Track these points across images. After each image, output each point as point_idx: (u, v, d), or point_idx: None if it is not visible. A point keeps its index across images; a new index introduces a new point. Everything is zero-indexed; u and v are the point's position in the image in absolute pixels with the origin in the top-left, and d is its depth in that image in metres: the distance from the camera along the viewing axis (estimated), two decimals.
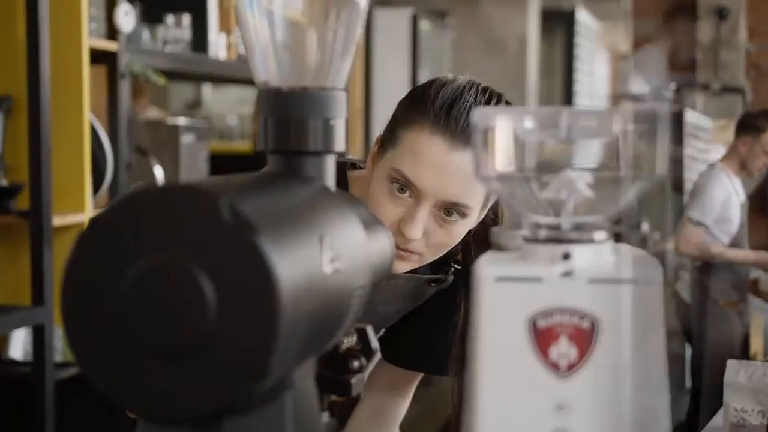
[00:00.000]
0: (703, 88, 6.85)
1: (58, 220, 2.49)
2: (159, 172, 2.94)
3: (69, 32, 2.54)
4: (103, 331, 0.63)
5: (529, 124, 0.70)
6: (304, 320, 0.65)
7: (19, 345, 2.62)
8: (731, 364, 1.98)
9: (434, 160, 1.22)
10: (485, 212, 1.32)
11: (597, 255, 0.69)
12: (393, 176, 1.24)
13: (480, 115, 0.71)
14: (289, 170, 0.80)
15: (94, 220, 0.63)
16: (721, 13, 9.67)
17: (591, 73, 8.84)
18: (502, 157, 0.71)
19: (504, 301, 0.68)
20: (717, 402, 1.97)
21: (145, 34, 3.02)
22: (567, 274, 0.68)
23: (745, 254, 4.41)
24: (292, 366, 0.68)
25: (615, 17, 9.63)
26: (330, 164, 0.82)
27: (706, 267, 4.38)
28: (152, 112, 4.03)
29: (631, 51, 9.93)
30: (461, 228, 1.27)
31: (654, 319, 0.68)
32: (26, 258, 2.44)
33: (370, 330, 0.86)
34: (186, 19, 3.08)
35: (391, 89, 5.13)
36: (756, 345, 4.70)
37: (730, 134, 9.06)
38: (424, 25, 5.33)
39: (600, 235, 0.70)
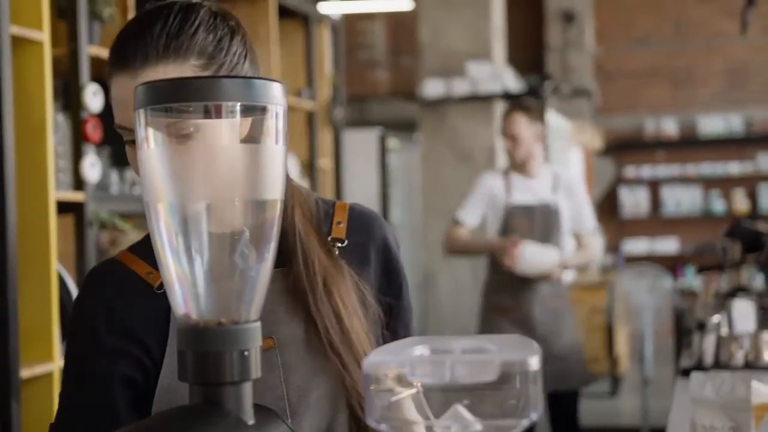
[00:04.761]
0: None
1: (26, 372, 2.53)
2: None
3: (36, 186, 2.62)
4: None
5: (416, 370, 0.77)
6: None
7: None
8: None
9: (121, 95, 1.19)
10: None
11: None
12: (119, 133, 1.22)
13: (370, 364, 0.77)
14: (208, 402, 0.86)
15: None
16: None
17: (565, 170, 8.98)
18: (390, 399, 0.78)
19: None
20: None
21: (114, 177, 3.11)
22: None
23: (484, 241, 4.22)
24: None
25: (585, 114, 9.87)
26: (247, 390, 0.88)
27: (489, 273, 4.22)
28: (133, 238, 4.07)
29: (603, 145, 10.18)
30: (215, 140, 1.18)
31: None
32: None
33: None
34: None
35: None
36: None
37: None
38: (393, 142, 5.46)
39: None
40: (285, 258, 1.28)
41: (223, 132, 0.91)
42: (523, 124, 4.07)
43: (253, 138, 0.89)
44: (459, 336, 0.85)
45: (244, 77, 0.89)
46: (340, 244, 1.32)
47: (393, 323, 1.35)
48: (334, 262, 1.30)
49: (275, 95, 0.88)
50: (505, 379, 0.76)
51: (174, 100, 0.87)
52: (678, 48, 10.39)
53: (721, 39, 10.10)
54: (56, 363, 2.64)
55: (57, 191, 2.68)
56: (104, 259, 1.36)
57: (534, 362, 0.75)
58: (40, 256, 2.62)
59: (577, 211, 4.16)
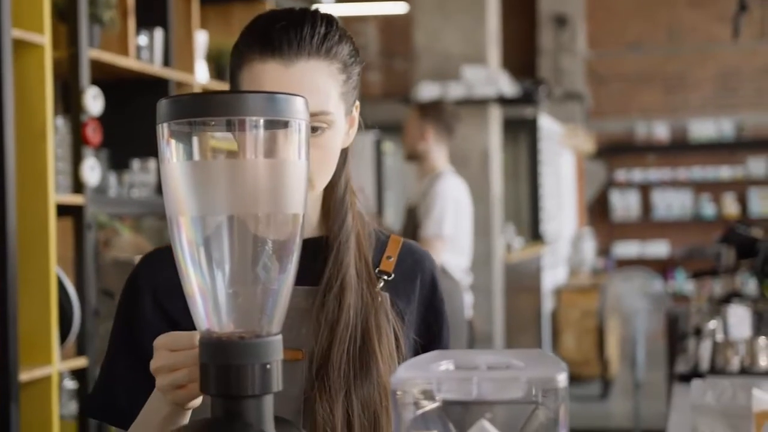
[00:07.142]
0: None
1: (25, 375, 2.52)
2: None
3: (36, 189, 2.61)
4: None
5: (443, 387, 0.77)
6: None
7: None
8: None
9: (272, 82, 1.20)
10: (355, 117, 1.32)
11: None
12: None
13: (398, 380, 0.77)
14: (230, 414, 0.87)
15: None
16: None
17: (557, 174, 9.01)
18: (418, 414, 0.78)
19: None
20: None
21: (113, 180, 3.10)
22: None
23: None
24: None
25: (577, 118, 9.88)
26: (268, 404, 0.89)
27: None
28: (126, 237, 4.05)
29: (595, 149, 10.19)
30: (333, 140, 1.25)
31: None
32: None
33: None
34: (152, 163, 3.18)
35: None
36: None
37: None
38: (388, 147, 5.45)
39: None
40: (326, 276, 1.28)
41: (246, 146, 0.91)
42: (412, 118, 4.28)
43: (275, 152, 0.89)
44: (483, 350, 0.85)
45: (267, 92, 0.89)
46: (386, 278, 1.32)
47: None
48: (372, 292, 1.29)
49: (298, 110, 0.89)
50: (531, 396, 0.77)
51: (198, 114, 0.87)
52: (670, 53, 10.41)
53: (713, 44, 10.13)
54: (55, 366, 2.64)
55: (57, 194, 2.68)
56: (161, 246, 1.36)
57: (561, 379, 0.76)
58: (39, 259, 2.62)
59: (424, 214, 4.14)
